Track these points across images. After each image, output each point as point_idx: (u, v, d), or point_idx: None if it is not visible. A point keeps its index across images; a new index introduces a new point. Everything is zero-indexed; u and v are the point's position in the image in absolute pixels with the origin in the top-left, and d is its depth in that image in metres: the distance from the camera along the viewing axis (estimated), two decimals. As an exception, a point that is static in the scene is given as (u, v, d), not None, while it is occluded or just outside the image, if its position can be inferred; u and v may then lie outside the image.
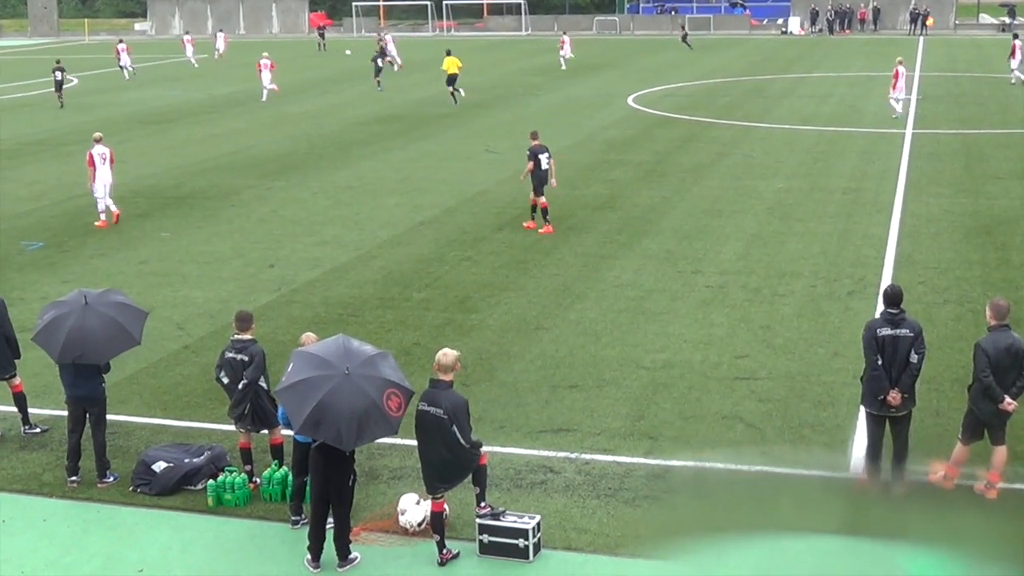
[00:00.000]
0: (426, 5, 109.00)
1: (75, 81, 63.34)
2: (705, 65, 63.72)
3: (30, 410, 15.20)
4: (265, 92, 51.89)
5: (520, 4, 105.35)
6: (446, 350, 11.77)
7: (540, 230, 24.97)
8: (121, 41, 67.88)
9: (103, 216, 27.13)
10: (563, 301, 20.18)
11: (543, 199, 25.08)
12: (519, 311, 19.70)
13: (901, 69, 40.75)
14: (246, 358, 13.03)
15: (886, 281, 20.32)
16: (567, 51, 63.93)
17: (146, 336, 15.17)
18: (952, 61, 61.61)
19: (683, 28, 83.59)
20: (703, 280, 21.16)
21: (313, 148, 37.66)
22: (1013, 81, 50.46)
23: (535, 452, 14.09)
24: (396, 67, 62.33)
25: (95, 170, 26.80)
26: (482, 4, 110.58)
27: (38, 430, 15.10)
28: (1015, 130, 37.59)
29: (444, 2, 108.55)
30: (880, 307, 13.61)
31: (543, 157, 25.01)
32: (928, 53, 66.43)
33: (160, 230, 26.45)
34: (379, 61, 55.64)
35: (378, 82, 53.75)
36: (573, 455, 13.95)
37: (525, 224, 25.53)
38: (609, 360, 17.18)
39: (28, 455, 14.48)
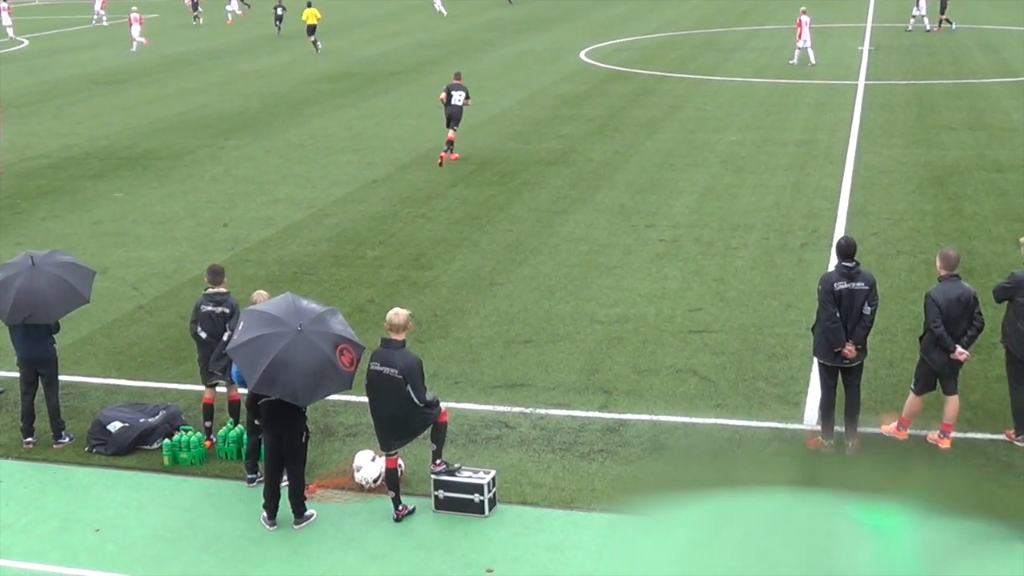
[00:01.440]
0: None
1: (25, 43, 62.57)
2: (658, 18, 63.63)
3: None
4: (135, 44, 54.22)
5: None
6: (397, 310, 11.78)
7: (452, 156, 27.70)
8: None
9: None
10: (517, 257, 20.26)
11: (451, 132, 27.71)
12: (473, 267, 19.76)
13: (805, 19, 42.05)
14: (227, 310, 13.09)
15: (839, 233, 20.53)
16: None
17: (100, 296, 15.18)
18: (904, 12, 61.81)
19: None
20: (656, 234, 21.29)
21: (265, 107, 37.42)
22: (910, 28, 52.00)
23: (490, 408, 14.20)
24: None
25: None
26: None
27: (-8, 392, 15.07)
28: (967, 80, 37.88)
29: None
30: (833, 259, 13.72)
31: (457, 94, 27.83)
32: (880, 4, 66.62)
33: (114, 191, 26.29)
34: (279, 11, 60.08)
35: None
36: (528, 410, 14.07)
37: (440, 156, 27.82)
38: (563, 315, 17.29)
39: (-18, 418, 14.46)
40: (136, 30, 54.02)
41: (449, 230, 22.08)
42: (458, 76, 28.62)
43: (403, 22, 67.59)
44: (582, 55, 47.80)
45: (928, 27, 51.75)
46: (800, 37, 42.24)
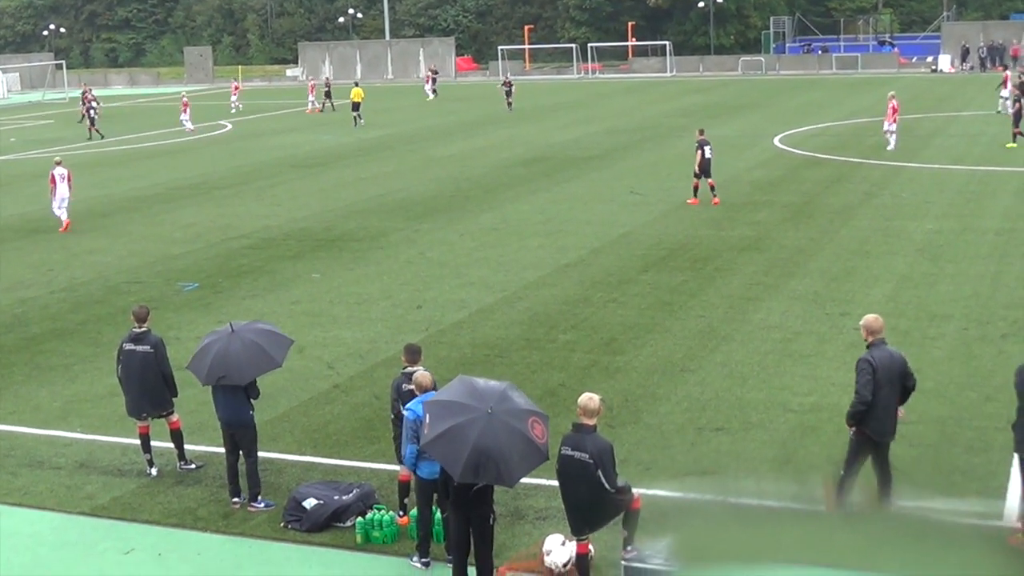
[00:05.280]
0: (571, 48, 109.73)
1: (228, 127, 65.24)
2: (852, 104, 62.86)
3: (186, 446, 15.59)
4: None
5: (665, 45, 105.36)
6: (590, 395, 11.71)
7: (715, 199, 32.66)
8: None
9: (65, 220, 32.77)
10: (709, 343, 20.04)
11: (711, 179, 33.04)
12: (665, 353, 19.62)
13: (895, 103, 42.28)
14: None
15: (1043, 324, 19.77)
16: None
17: (297, 375, 15.51)
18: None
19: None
20: (851, 322, 20.73)
21: (459, 190, 38.11)
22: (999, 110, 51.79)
23: (680, 495, 13.97)
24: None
25: (55, 186, 32.79)
26: (627, 46, 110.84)
27: (193, 466, 15.50)
28: None
29: (589, 45, 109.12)
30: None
31: (707, 148, 32.91)
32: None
33: (311, 271, 26.99)
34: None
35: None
36: (719, 498, 13.81)
37: (689, 200, 33.08)
38: (755, 403, 17.00)
39: (184, 490, 14.87)
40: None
41: (641, 315, 22.00)
42: (702, 132, 33.71)
43: (595, 108, 68.37)
44: (775, 141, 47.46)
45: None
46: (891, 120, 42.43)
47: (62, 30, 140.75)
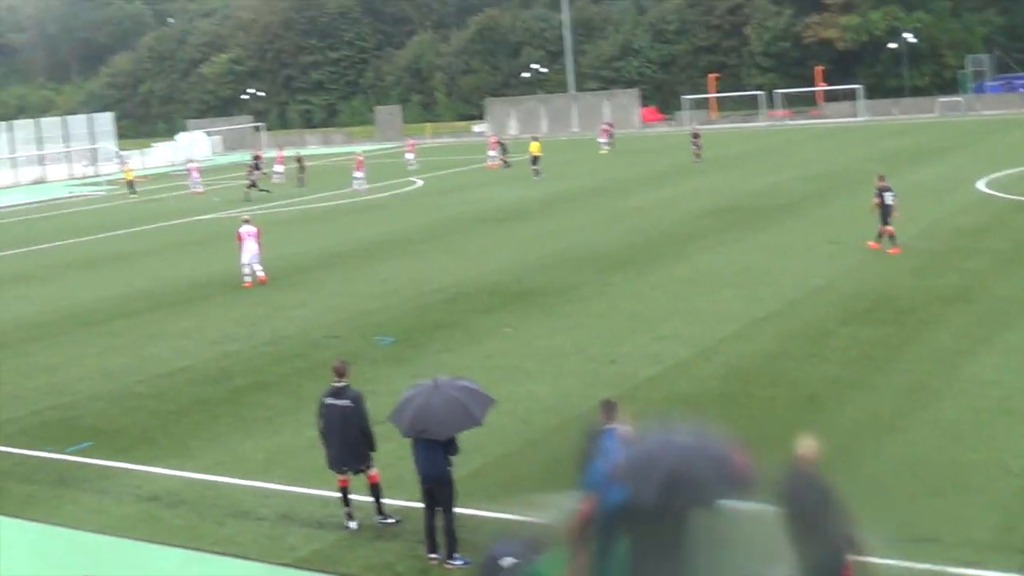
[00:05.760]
0: (757, 95, 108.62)
1: (419, 183, 66.30)
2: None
3: (384, 500, 15.59)
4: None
5: (855, 89, 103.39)
6: (806, 441, 11.36)
7: (889, 250, 31.66)
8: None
9: (247, 279, 34.03)
10: (918, 400, 19.16)
11: (890, 227, 31.95)
12: (870, 410, 18.82)
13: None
14: None
15: None
16: None
17: (491, 430, 15.36)
18: None
19: None
20: (1074, 377, 19.70)
21: (649, 242, 37.75)
22: None
23: (894, 562, 13.28)
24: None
25: (242, 243, 34.14)
26: (815, 91, 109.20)
27: (391, 520, 15.48)
28: None
29: (776, 91, 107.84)
30: None
31: (888, 195, 32.04)
32: None
33: (504, 325, 26.95)
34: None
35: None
36: (937, 567, 13.07)
37: (870, 244, 32.41)
38: (973, 464, 16.10)
39: (383, 544, 14.85)
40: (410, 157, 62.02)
41: (843, 370, 21.22)
42: (882, 177, 32.97)
43: (785, 156, 67.38)
44: (980, 184, 45.76)
45: None
46: None
47: (260, 93, 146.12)
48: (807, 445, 11.27)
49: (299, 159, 72.58)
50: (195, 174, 73.16)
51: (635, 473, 11.03)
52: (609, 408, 13.50)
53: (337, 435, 15.29)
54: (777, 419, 18.67)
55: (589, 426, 13.57)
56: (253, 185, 64.28)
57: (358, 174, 64.21)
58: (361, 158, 66.40)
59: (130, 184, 74.62)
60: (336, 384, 15.38)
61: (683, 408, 19.54)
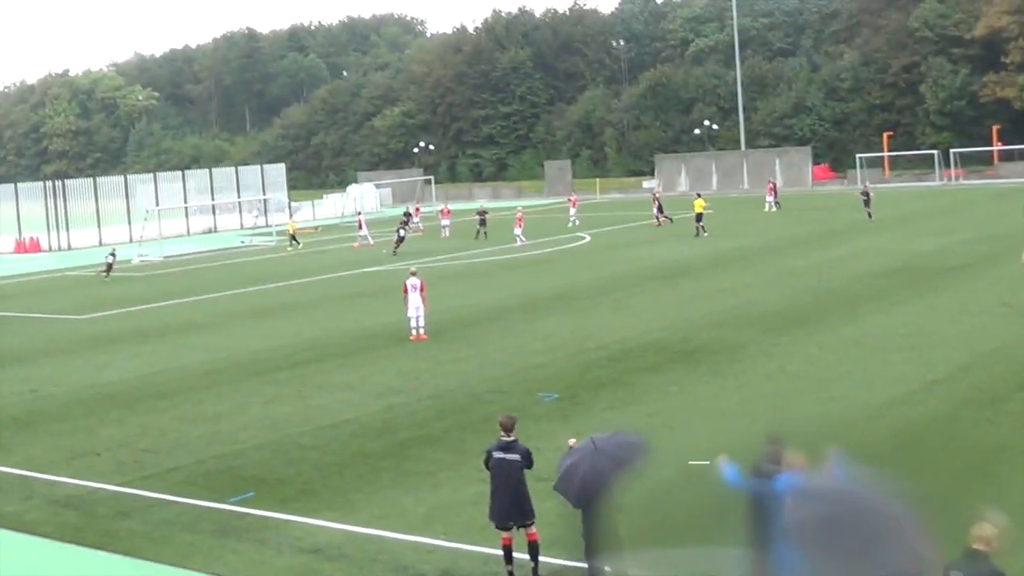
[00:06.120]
0: (932, 154, 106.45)
1: (587, 239, 66.62)
2: None
3: (541, 559, 15.58)
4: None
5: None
6: (986, 523, 10.98)
7: None
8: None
9: (414, 332, 34.23)
10: (1098, 470, 18.55)
11: None
12: (1047, 479, 18.29)
13: None
14: None
15: None
16: None
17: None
18: None
19: None
20: None
21: (818, 302, 37.25)
22: None
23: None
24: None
25: (407, 296, 34.31)
26: (991, 151, 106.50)
27: (548, 581, 15.53)
28: None
29: (951, 150, 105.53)
30: None
31: None
32: None
33: (668, 384, 26.86)
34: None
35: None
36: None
37: None
38: None
39: (541, 603, 14.90)
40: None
41: (1016, 435, 20.61)
42: None
43: (959, 216, 65.94)
44: None
45: None
46: None
47: (431, 147, 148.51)
48: (985, 529, 10.82)
49: (482, 212, 72.99)
50: (363, 226, 74.00)
51: (816, 540, 10.78)
52: (776, 446, 13.21)
53: (505, 490, 15.38)
54: (947, 487, 18.22)
55: (755, 466, 13.38)
56: (402, 240, 65.52)
57: (517, 230, 65.28)
58: (520, 214, 67.07)
59: (292, 237, 74.97)
60: (505, 439, 15.50)
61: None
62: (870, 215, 65.93)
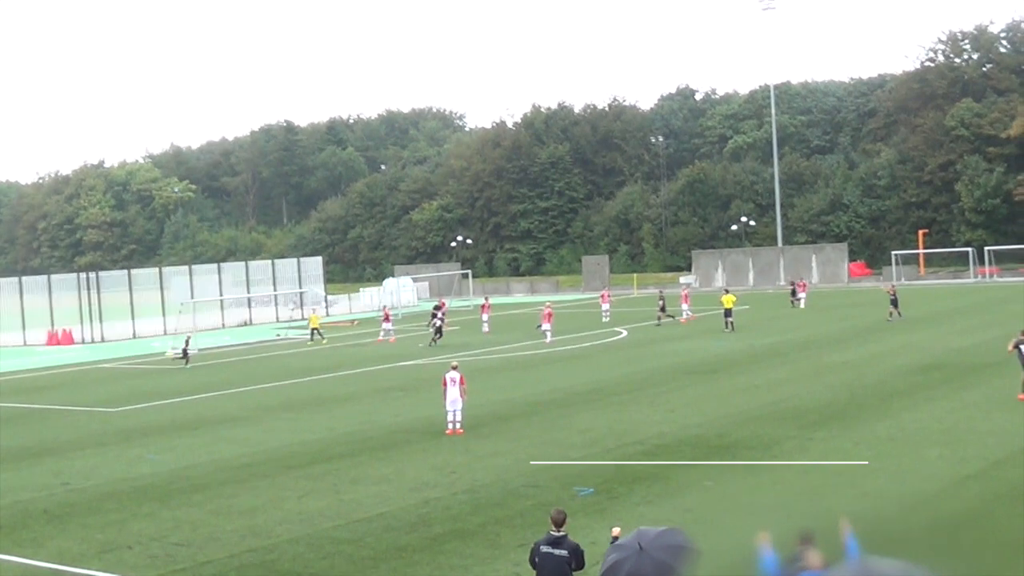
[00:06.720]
0: (967, 252, 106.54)
1: (624, 333, 66.88)
2: None
3: (581, 657, 15.66)
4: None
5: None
6: None
7: None
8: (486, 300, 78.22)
9: (451, 426, 34.58)
10: None
11: None
12: (1080, 576, 18.37)
13: None
14: None
15: None
16: None
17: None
18: None
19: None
20: None
21: (853, 398, 37.36)
22: None
23: None
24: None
25: (446, 389, 34.73)
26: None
27: None
28: None
29: (985, 248, 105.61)
30: None
31: None
32: None
33: (704, 479, 27.01)
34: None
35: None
36: None
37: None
38: None
39: None
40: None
41: (1051, 534, 20.73)
42: None
43: (994, 313, 65.85)
44: None
45: None
46: None
47: (468, 241, 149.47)
48: None
49: (549, 312, 72.65)
50: (388, 319, 73.70)
51: None
52: (807, 543, 13.33)
53: (550, 584, 15.23)
54: (981, 582, 18.35)
55: (788, 559, 13.54)
56: (439, 332, 66.29)
57: (545, 325, 65.36)
58: (549, 310, 67.36)
59: (315, 330, 74.23)
60: (554, 533, 15.40)
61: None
62: (899, 313, 65.14)
